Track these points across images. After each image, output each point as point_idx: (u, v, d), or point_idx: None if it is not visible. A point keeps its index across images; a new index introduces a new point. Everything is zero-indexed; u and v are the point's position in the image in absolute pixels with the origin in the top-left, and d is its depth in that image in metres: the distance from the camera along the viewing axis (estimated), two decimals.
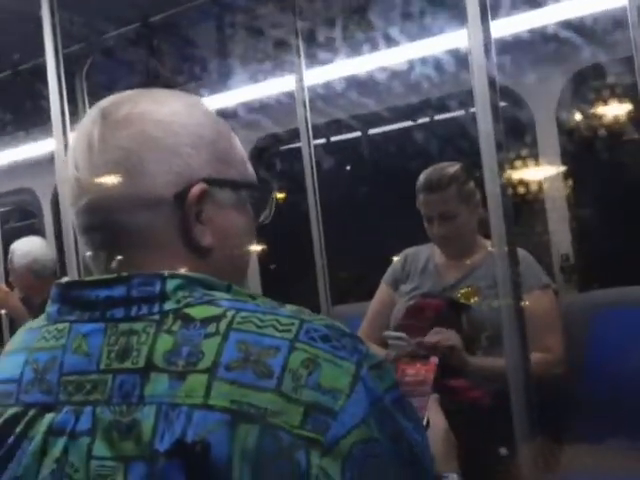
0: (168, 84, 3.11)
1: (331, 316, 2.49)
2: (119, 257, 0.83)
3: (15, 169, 4.19)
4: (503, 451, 2.00)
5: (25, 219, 4.87)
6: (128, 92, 0.88)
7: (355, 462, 0.69)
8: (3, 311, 3.49)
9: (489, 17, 1.43)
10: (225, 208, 0.86)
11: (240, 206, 0.88)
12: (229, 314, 0.75)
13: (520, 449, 1.30)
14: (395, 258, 2.58)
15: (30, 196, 4.54)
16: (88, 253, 0.87)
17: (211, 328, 0.74)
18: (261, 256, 3.76)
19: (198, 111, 0.87)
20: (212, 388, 0.71)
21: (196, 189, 0.82)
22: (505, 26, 2.55)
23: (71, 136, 0.78)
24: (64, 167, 1.90)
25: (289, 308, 0.78)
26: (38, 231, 4.28)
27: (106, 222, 0.83)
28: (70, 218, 1.94)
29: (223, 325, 0.74)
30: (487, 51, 1.41)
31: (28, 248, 3.30)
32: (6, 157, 4.15)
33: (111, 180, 0.82)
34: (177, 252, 0.83)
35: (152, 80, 3.21)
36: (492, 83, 1.40)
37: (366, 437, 0.70)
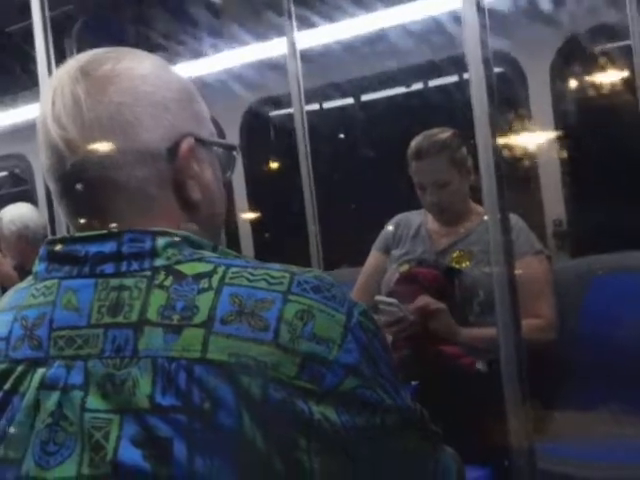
0: (157, 46, 3.07)
1: None
2: (109, 216, 0.82)
3: (6, 134, 4.13)
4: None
5: (17, 185, 4.83)
6: (103, 49, 0.87)
7: (347, 406, 0.73)
8: None
9: None
10: (204, 165, 0.87)
11: (214, 163, 0.89)
12: (220, 270, 0.76)
13: (510, 415, 1.30)
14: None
15: (22, 162, 4.50)
16: (70, 219, 0.86)
17: (203, 283, 0.75)
18: (254, 224, 3.75)
19: (171, 70, 0.88)
20: (209, 342, 0.72)
21: (186, 143, 0.84)
22: None
23: (45, 99, 0.76)
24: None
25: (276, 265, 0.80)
26: (31, 198, 4.25)
27: (100, 179, 0.82)
28: None
29: (215, 280, 0.75)
30: (481, 16, 1.38)
31: (17, 214, 3.26)
32: None
33: (106, 136, 0.81)
34: (170, 208, 0.84)
35: (141, 42, 3.16)
36: (485, 48, 1.38)
37: (356, 384, 0.74)
